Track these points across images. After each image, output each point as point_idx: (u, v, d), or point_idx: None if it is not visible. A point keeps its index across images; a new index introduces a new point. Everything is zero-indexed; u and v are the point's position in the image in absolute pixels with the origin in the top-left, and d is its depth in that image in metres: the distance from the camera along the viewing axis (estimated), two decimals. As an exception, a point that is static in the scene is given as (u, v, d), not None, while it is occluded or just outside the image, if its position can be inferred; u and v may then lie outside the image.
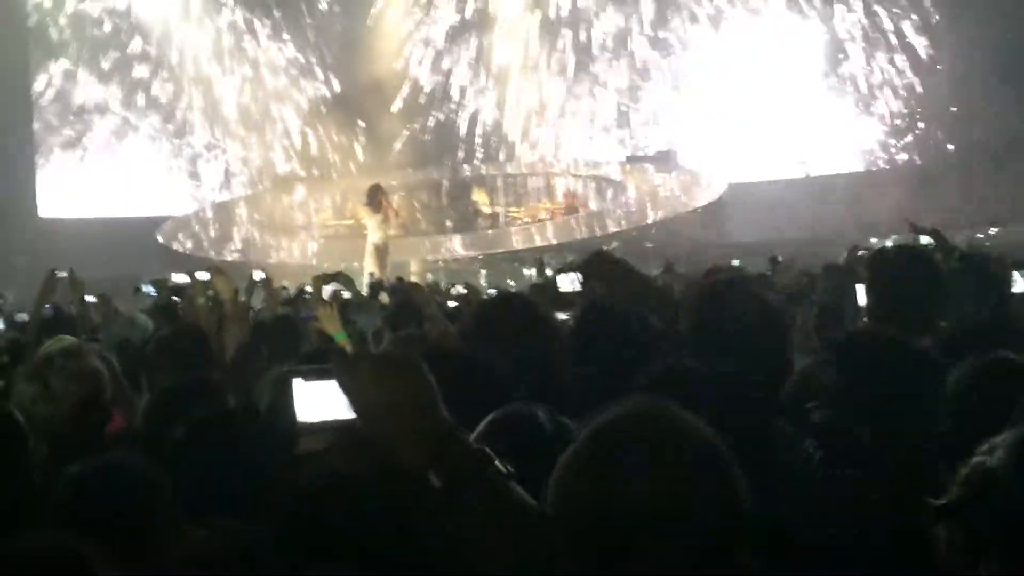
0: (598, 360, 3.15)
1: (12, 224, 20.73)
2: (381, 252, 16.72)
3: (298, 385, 1.70)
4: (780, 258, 12.05)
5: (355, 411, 1.66)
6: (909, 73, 23.61)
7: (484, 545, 1.62)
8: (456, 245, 22.70)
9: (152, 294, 7.12)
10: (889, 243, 10.80)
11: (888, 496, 2.36)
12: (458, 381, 2.57)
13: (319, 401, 1.69)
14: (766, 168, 24.12)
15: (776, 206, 21.28)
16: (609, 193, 24.24)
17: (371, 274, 14.89)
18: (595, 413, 1.76)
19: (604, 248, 5.05)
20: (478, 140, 25.76)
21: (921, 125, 23.47)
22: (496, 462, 1.64)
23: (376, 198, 17.10)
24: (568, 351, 3.30)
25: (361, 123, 25.12)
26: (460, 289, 12.75)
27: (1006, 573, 1.59)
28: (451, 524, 1.63)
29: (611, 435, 1.72)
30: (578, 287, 5.07)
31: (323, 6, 25.86)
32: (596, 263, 4.27)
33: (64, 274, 7.14)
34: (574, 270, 5.22)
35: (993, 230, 19.41)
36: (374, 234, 16.79)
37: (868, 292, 3.97)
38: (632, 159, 24.79)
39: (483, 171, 24.97)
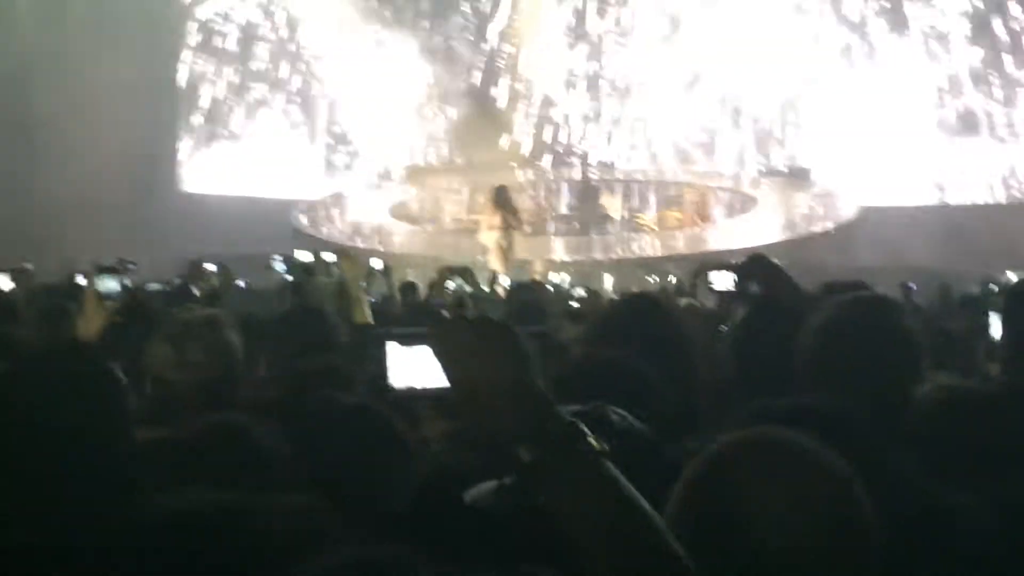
0: (758, 363, 2.96)
1: (156, 198, 21.26)
2: (504, 251, 16.71)
3: (393, 349, 1.64)
4: (913, 286, 11.72)
5: (447, 378, 1.58)
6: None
7: (576, 523, 1.51)
8: (581, 248, 22.61)
9: (281, 271, 7.22)
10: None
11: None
12: (595, 384, 2.49)
13: (414, 367, 1.63)
14: (898, 193, 23.54)
15: (906, 232, 20.67)
16: (739, 206, 23.94)
17: (494, 272, 14.89)
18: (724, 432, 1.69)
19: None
20: (605, 143, 25.65)
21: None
22: (590, 437, 1.53)
23: (501, 199, 17.09)
24: (720, 353, 3.10)
25: (492, 119, 25.27)
26: (581, 292, 12.67)
27: None
28: (541, 500, 1.54)
29: (743, 457, 1.65)
30: (732, 287, 4.96)
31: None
32: (757, 265, 4.16)
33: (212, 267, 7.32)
34: (730, 269, 5.11)
35: None
36: (498, 234, 16.78)
37: (1004, 325, 3.78)
38: (765, 174, 24.46)
39: (613, 175, 24.83)
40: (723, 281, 4.95)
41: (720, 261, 6.23)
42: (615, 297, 10.77)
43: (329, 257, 6.76)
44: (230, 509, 1.65)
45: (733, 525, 1.57)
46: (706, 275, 5.08)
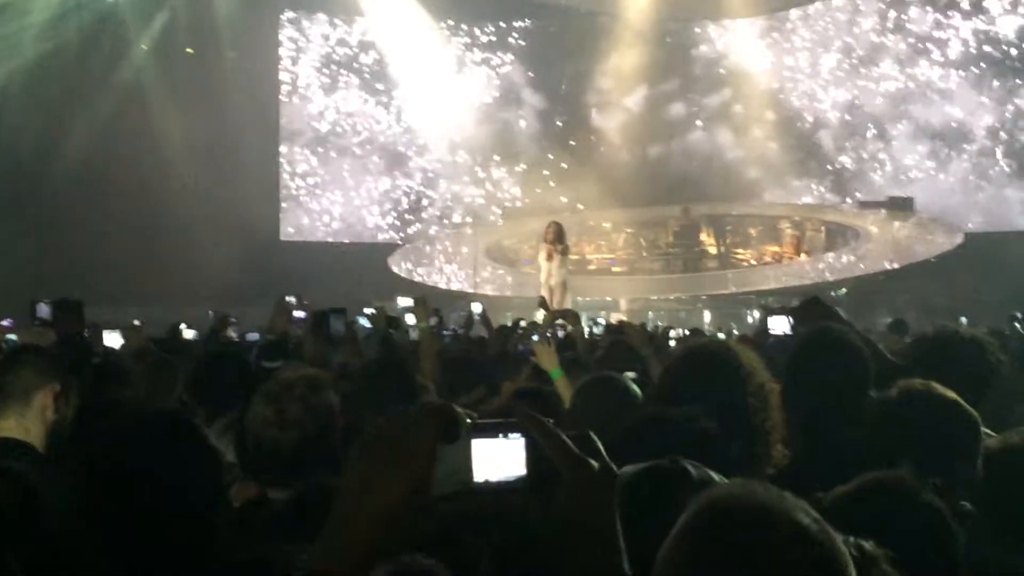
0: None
1: (256, 247, 21.63)
2: (553, 288, 16.04)
3: (476, 444, 1.42)
4: (1021, 315, 11.06)
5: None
6: None
7: None
8: (680, 285, 22.48)
9: (367, 326, 7.27)
10: None
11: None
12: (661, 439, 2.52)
13: (490, 458, 1.42)
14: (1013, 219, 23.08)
15: (1016, 261, 20.04)
16: (839, 238, 23.67)
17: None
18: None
19: (820, 295, 4.97)
20: (702, 179, 25.57)
21: None
22: None
23: (549, 235, 16.42)
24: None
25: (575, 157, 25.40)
26: (681, 332, 12.37)
27: None
28: None
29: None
30: (788, 331, 5.01)
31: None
32: (810, 308, 4.16)
33: (292, 299, 7.44)
34: (787, 314, 5.15)
35: None
36: (555, 271, 16.18)
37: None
38: (865, 204, 24.12)
39: (710, 211, 24.66)
40: (780, 325, 5.01)
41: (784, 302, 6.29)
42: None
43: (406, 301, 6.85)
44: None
45: None
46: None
